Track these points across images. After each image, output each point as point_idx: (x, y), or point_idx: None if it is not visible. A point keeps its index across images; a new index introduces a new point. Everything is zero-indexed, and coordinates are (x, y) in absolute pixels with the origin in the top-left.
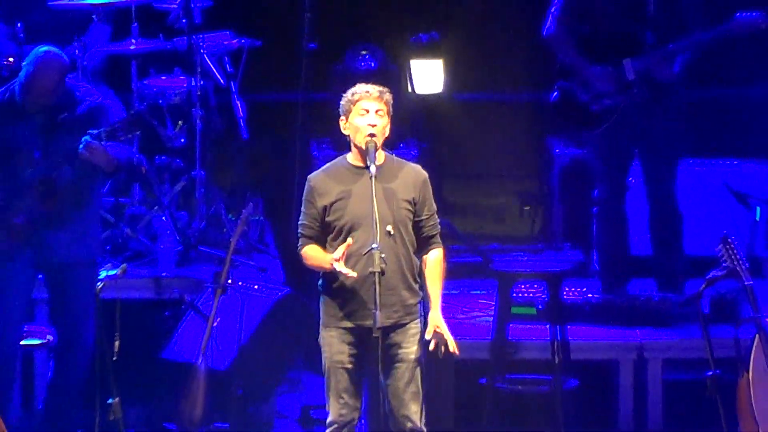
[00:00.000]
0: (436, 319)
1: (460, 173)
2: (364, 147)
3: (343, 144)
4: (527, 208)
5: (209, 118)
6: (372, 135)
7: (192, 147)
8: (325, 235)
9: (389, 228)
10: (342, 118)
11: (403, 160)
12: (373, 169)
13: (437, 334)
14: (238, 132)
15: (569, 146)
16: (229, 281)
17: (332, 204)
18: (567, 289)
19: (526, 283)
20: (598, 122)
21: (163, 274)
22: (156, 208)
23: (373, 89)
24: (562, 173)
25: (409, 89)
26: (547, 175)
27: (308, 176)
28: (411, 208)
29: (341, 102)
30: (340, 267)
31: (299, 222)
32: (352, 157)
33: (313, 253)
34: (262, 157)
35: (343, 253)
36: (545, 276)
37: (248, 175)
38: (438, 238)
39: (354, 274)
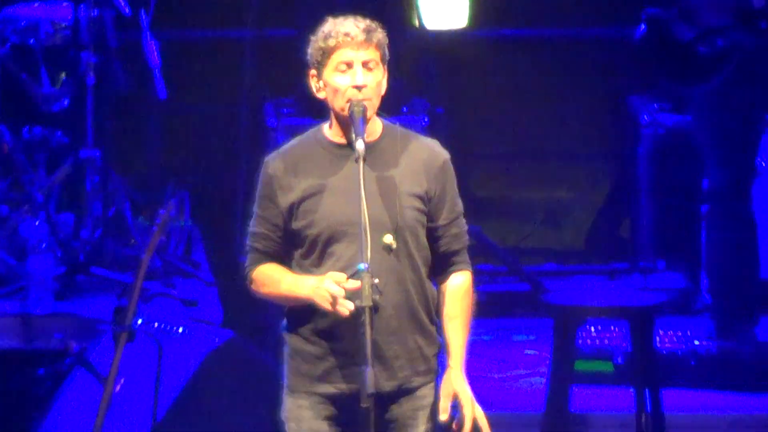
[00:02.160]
0: (456, 380)
1: (494, 153)
2: (347, 115)
3: (315, 108)
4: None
5: (107, 68)
6: (359, 100)
7: (81, 113)
8: (289, 249)
9: (388, 239)
10: (312, 72)
11: (412, 133)
12: (360, 146)
13: (456, 405)
14: (152, 90)
15: (664, 111)
16: (139, 321)
17: (300, 202)
18: (661, 332)
19: (598, 323)
20: (708, 73)
21: (37, 310)
22: (25, 207)
23: (357, 28)
24: (654, 153)
25: (416, 23)
26: (630, 156)
27: (265, 159)
28: (422, 207)
29: (309, 48)
30: (347, 286)
31: (249, 229)
32: (330, 131)
33: (273, 275)
34: (189, 128)
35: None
36: (628, 312)
37: (168, 157)
38: (464, 255)
39: (346, 310)
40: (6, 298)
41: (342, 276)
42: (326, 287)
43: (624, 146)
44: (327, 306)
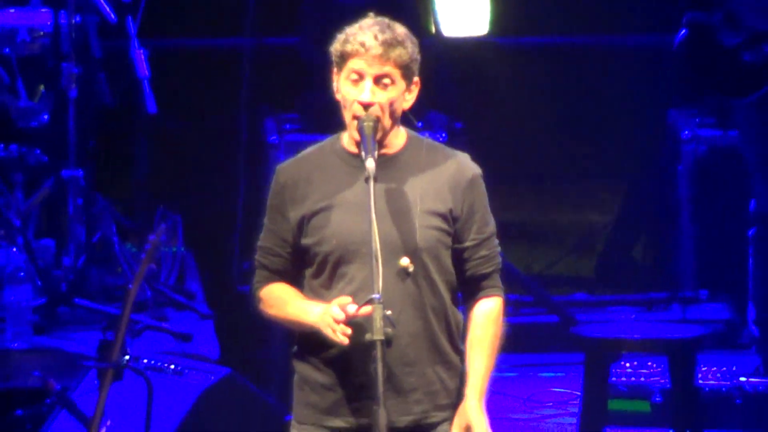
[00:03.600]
0: (472, 412)
1: (518, 173)
2: (354, 133)
3: (321, 123)
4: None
5: (91, 80)
6: (359, 117)
7: (62, 129)
8: (300, 267)
9: (404, 262)
10: (335, 70)
11: (441, 145)
12: (369, 164)
13: None
14: (140, 103)
15: (706, 125)
16: (126, 357)
17: (312, 216)
18: (704, 368)
19: (634, 358)
20: (755, 83)
21: (14, 345)
22: (1, 233)
23: (376, 40)
24: (696, 171)
25: (433, 29)
26: (670, 175)
27: (277, 167)
28: (445, 227)
29: (332, 46)
30: (352, 311)
31: (258, 243)
32: (348, 139)
33: (281, 296)
34: (182, 146)
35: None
36: (666, 346)
37: (158, 178)
38: (495, 279)
39: (345, 340)
40: None
41: (347, 300)
42: (331, 314)
43: (662, 164)
44: (331, 335)
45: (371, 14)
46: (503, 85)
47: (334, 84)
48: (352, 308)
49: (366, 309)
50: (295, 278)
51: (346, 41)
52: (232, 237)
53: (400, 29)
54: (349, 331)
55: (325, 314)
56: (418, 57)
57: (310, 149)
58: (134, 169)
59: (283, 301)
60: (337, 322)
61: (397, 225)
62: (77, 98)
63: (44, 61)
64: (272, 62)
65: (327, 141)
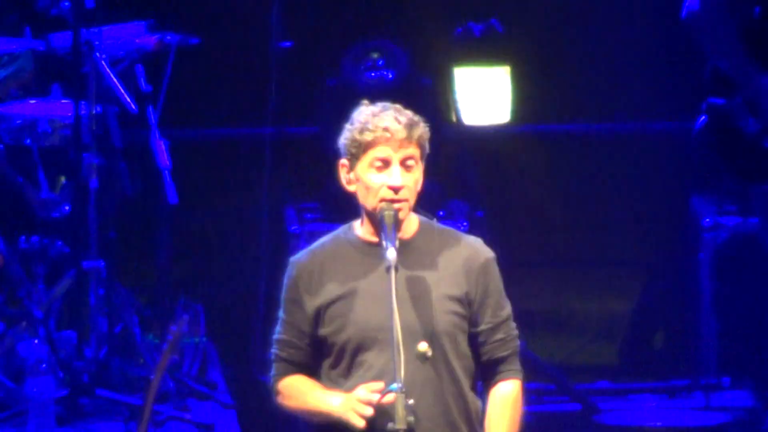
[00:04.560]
0: None
1: (539, 261)
2: (379, 219)
3: (341, 212)
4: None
5: (111, 170)
6: (395, 201)
7: (83, 219)
8: (317, 358)
9: (422, 347)
10: (343, 161)
11: (453, 231)
12: (391, 254)
13: None
14: (161, 194)
15: (728, 213)
16: None
17: (328, 306)
18: None
19: None
20: None
21: None
22: (23, 324)
23: (399, 123)
24: (717, 258)
25: (453, 118)
26: (691, 262)
27: (291, 259)
28: (461, 311)
29: (343, 138)
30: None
31: (274, 337)
32: (362, 228)
33: (301, 388)
34: (203, 236)
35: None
36: None
37: (179, 268)
38: (513, 362)
39: (361, 423)
40: (3, 423)
41: (374, 386)
42: (358, 397)
43: (684, 251)
44: (354, 420)
45: (365, 101)
46: (524, 173)
47: (342, 176)
48: (373, 397)
49: (388, 398)
50: (313, 370)
51: (364, 130)
52: (253, 327)
53: (408, 110)
54: (370, 412)
55: (348, 401)
56: None
57: (323, 240)
58: (155, 259)
59: (302, 392)
60: (365, 403)
61: (415, 310)
62: (98, 189)
63: (65, 152)
64: (293, 151)
65: (340, 231)
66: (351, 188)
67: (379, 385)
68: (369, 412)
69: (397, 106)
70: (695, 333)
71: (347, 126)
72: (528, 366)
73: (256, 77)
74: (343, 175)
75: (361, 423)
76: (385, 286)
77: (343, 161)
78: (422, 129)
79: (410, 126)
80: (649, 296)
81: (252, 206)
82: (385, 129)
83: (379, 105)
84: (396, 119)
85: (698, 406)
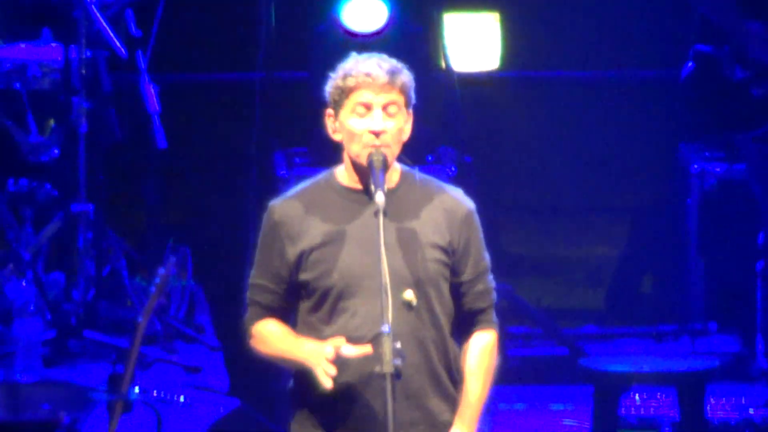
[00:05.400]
0: None
1: (528, 207)
2: (364, 163)
3: (331, 157)
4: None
5: (101, 115)
6: (376, 147)
7: (72, 163)
8: (296, 303)
9: (408, 295)
10: (329, 111)
11: (434, 180)
12: (380, 198)
13: None
14: (151, 138)
15: (715, 159)
16: (136, 389)
17: (311, 251)
18: (713, 400)
19: (644, 391)
20: (762, 117)
21: (24, 378)
22: (11, 266)
23: (380, 69)
24: (704, 204)
25: (443, 64)
26: (679, 208)
27: (270, 204)
28: (445, 260)
29: (327, 86)
30: (348, 353)
31: (250, 281)
32: (344, 175)
33: (272, 333)
34: (191, 180)
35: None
36: (676, 379)
37: (168, 212)
38: (490, 314)
39: (328, 383)
40: None
41: (342, 341)
42: (323, 353)
43: (671, 198)
44: (320, 376)
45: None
46: (512, 120)
47: (329, 126)
48: (347, 349)
49: (364, 350)
50: (287, 316)
51: (347, 76)
52: (241, 270)
53: (394, 59)
54: (333, 371)
55: (317, 353)
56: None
57: (302, 185)
58: (144, 203)
59: (275, 337)
60: (328, 361)
61: (401, 257)
62: (87, 133)
63: (54, 96)
64: (282, 96)
65: (321, 177)
66: (337, 137)
67: (342, 341)
68: (333, 371)
69: (384, 55)
70: (682, 279)
71: (331, 75)
72: (514, 310)
73: (247, 22)
74: (330, 124)
75: (329, 384)
76: (370, 232)
77: (329, 111)
78: (405, 76)
79: (392, 72)
80: (636, 242)
81: (241, 150)
82: (367, 74)
83: (364, 54)
84: (378, 65)
85: (685, 351)
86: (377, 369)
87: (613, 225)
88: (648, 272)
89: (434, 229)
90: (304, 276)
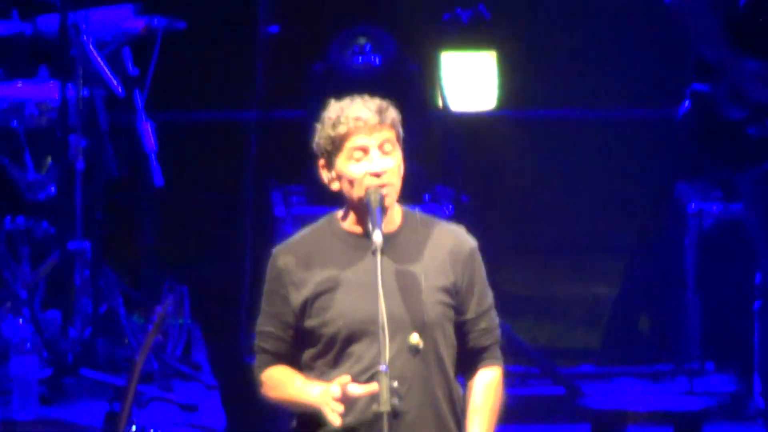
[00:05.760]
0: None
1: (525, 245)
2: (369, 203)
3: (327, 196)
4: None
5: (98, 152)
6: (380, 187)
7: (69, 201)
8: (301, 349)
9: (414, 339)
10: (321, 161)
11: (434, 219)
12: (377, 238)
13: None
14: (147, 176)
15: (712, 199)
16: (133, 429)
17: (315, 298)
18: None
19: (641, 430)
20: (759, 157)
21: (20, 416)
22: (7, 304)
23: (369, 110)
24: (702, 244)
25: (440, 103)
26: (677, 248)
27: (273, 251)
28: (450, 302)
29: (316, 137)
30: (354, 392)
31: (257, 328)
32: (346, 220)
33: (282, 379)
34: (188, 218)
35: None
36: (673, 418)
37: (165, 250)
38: (494, 351)
39: (337, 420)
40: None
41: (347, 378)
42: (330, 393)
43: (670, 237)
44: (329, 415)
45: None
46: (510, 158)
47: (324, 177)
48: (354, 388)
49: (370, 388)
50: (295, 360)
51: (336, 124)
52: (238, 309)
53: (380, 99)
54: (341, 409)
55: (325, 393)
56: None
57: (305, 231)
58: (141, 241)
59: (284, 383)
60: (335, 399)
61: (405, 302)
62: (84, 170)
63: (52, 134)
64: (279, 135)
65: (323, 222)
66: (334, 187)
67: (347, 378)
68: (340, 409)
69: (364, 95)
70: (679, 318)
71: (317, 126)
72: (512, 349)
73: (243, 61)
74: (325, 176)
75: (337, 421)
76: (371, 277)
77: (321, 161)
78: (393, 112)
79: (380, 111)
80: (633, 281)
81: (237, 189)
82: (357, 118)
83: (346, 99)
84: (365, 107)
85: (682, 390)
86: (374, 408)
87: (610, 264)
88: (645, 311)
89: (438, 271)
90: (309, 323)
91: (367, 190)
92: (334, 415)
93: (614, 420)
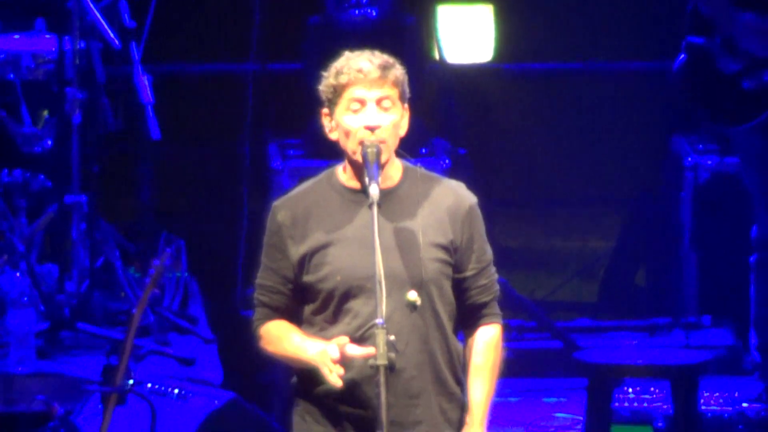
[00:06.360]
0: None
1: (521, 199)
2: (360, 159)
3: (325, 150)
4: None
5: (95, 105)
6: (372, 142)
7: (65, 154)
8: (300, 303)
9: (412, 296)
10: (324, 110)
11: (435, 175)
12: (373, 191)
13: None
14: (144, 129)
15: (708, 152)
16: (130, 382)
17: (313, 253)
18: (706, 393)
19: (637, 384)
20: (754, 110)
21: (18, 369)
22: (4, 258)
23: (371, 64)
24: (698, 198)
25: (437, 56)
26: (672, 201)
27: (273, 204)
28: (447, 259)
29: (321, 85)
30: (352, 352)
31: (256, 281)
32: (345, 174)
33: (280, 334)
34: (185, 171)
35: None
36: (669, 372)
37: (162, 203)
38: (494, 307)
39: (338, 382)
40: None
41: (345, 339)
42: (328, 353)
43: (665, 190)
44: (327, 375)
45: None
46: (506, 112)
47: (325, 125)
48: (351, 348)
49: (369, 350)
50: (294, 314)
51: (339, 73)
52: (235, 262)
53: (386, 54)
54: (342, 372)
55: (323, 353)
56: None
57: (305, 185)
58: (138, 194)
59: (282, 338)
60: (334, 361)
61: (402, 258)
62: (81, 124)
63: (48, 86)
64: (276, 88)
65: (323, 176)
66: (333, 136)
67: (345, 339)
68: (340, 371)
69: (375, 51)
70: (676, 272)
71: (323, 74)
72: (509, 303)
73: (240, 13)
74: (326, 124)
75: (338, 383)
76: (370, 232)
77: (325, 110)
78: (398, 70)
79: (384, 67)
80: (630, 235)
81: (235, 142)
82: (359, 70)
83: (355, 51)
84: (369, 61)
85: (678, 344)
86: (371, 362)
87: (606, 217)
88: (641, 265)
89: (437, 228)
90: (307, 278)
91: (361, 144)
92: (333, 376)
93: (610, 374)
